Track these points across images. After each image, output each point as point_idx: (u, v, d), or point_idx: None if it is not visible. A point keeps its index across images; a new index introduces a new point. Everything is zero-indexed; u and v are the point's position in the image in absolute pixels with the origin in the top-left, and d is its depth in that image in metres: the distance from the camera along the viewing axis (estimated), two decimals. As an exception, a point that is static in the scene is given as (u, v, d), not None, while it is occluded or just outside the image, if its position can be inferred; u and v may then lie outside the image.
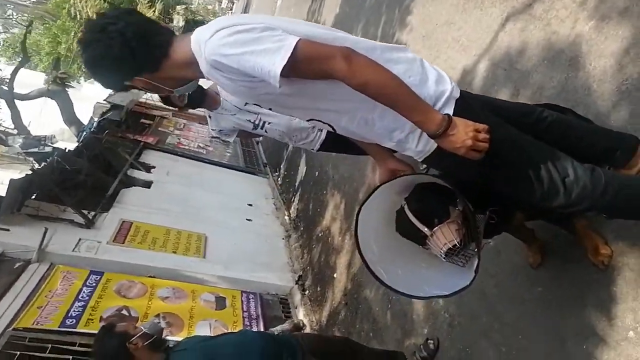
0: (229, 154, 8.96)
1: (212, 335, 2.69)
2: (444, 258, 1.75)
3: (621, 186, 1.57)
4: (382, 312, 3.83)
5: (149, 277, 4.46)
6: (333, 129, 1.57)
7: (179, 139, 8.69)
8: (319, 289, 5.21)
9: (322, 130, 3.13)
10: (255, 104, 1.56)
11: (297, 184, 7.45)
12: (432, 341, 3.05)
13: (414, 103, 1.38)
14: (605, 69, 2.27)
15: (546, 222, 2.19)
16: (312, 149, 3.31)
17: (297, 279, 5.65)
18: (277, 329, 2.92)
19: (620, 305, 1.93)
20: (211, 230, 5.68)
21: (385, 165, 1.81)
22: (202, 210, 6.15)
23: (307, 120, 1.58)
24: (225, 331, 3.85)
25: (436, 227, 1.72)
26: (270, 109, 1.56)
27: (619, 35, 2.23)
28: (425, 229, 1.73)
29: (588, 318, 2.05)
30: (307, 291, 5.39)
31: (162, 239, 5.05)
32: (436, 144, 1.47)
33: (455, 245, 1.70)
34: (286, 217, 7.10)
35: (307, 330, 3.07)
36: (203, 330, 3.96)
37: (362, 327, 4.02)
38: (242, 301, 4.70)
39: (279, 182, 8.40)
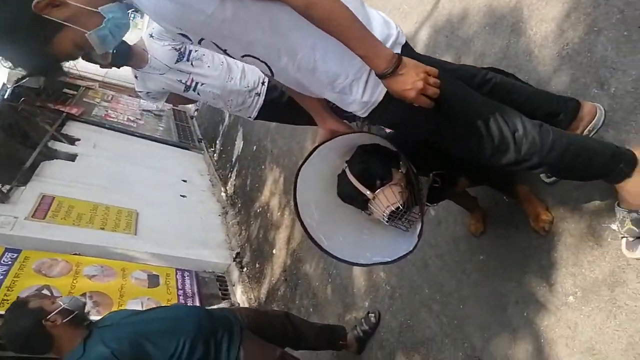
0: (161, 129, 8.52)
1: (135, 312, 2.45)
2: (387, 222, 1.66)
3: (569, 142, 1.53)
4: (322, 287, 3.75)
5: (74, 254, 4.12)
6: (271, 71, 1.40)
7: (107, 110, 8.14)
8: (257, 265, 5.07)
9: (259, 95, 2.94)
10: (182, 34, 1.31)
11: (234, 159, 7.20)
12: (373, 314, 3.00)
13: (362, 34, 1.24)
14: (546, 34, 2.23)
15: (489, 187, 2.15)
16: (249, 117, 3.11)
17: (234, 256, 5.48)
18: (213, 307, 2.75)
19: (560, 271, 1.92)
20: (143, 206, 5.36)
21: (325, 125, 1.67)
22: (133, 186, 5.80)
23: (242, 57, 1.38)
24: (158, 309, 3.63)
25: (378, 190, 1.63)
26: (200, 42, 1.34)
27: (560, 0, 2.20)
28: (368, 192, 1.64)
29: (529, 285, 2.04)
30: (245, 268, 5.24)
31: (89, 215, 4.70)
32: (382, 95, 1.36)
33: (398, 207, 1.61)
34: (223, 194, 6.86)
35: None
36: (134, 308, 3.72)
37: (302, 303, 3.94)
38: (176, 279, 4.48)
39: (215, 158, 8.10)
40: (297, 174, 1.68)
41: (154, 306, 3.77)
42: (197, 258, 5.09)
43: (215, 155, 8.21)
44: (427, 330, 2.57)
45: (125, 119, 8.22)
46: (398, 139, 1.78)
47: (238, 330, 2.42)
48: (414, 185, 1.65)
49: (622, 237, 1.69)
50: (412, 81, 1.27)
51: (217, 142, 8.34)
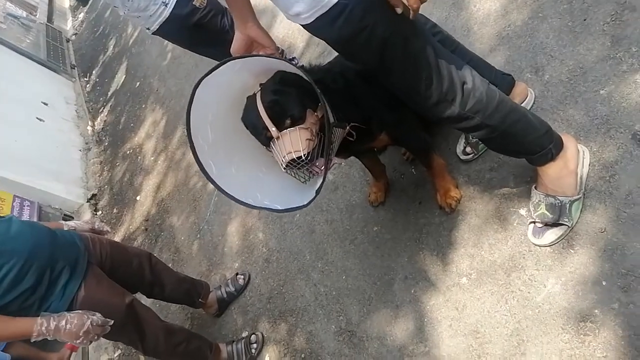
0: (28, 41, 7.30)
1: None
2: (284, 169, 1.42)
3: (512, 108, 1.44)
4: (187, 242, 3.39)
5: None
6: None
7: (-40, 1, 6.74)
8: (115, 210, 4.50)
9: (166, 5, 2.51)
10: None
11: (110, 93, 6.41)
12: (242, 276, 2.74)
13: None
14: (489, 13, 2.16)
15: (408, 149, 2.02)
16: (147, 29, 2.66)
17: (90, 196, 4.83)
18: (69, 224, 2.22)
19: (458, 251, 1.84)
20: (-16, 119, 4.46)
21: (244, 30, 1.36)
22: (-25, 92, 4.81)
23: None
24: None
25: (285, 130, 1.38)
26: None
27: (510, -18, 2.14)
28: (273, 129, 1.38)
29: (422, 262, 1.94)
30: (100, 212, 4.63)
31: None
32: None
33: (301, 157, 1.37)
34: (89, 128, 6.05)
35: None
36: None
37: (161, 256, 3.51)
38: (13, 206, 3.78)
39: (88, 89, 7.17)
40: (198, 83, 1.35)
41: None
42: (43, 189, 4.35)
43: (88, 86, 7.25)
44: (301, 299, 2.38)
45: (-17, 18, 6.91)
46: (326, 78, 1.54)
47: (84, 264, 1.99)
48: (325, 135, 1.41)
49: (530, 223, 1.64)
50: None
51: (94, 72, 7.39)
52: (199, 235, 3.33)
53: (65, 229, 2.16)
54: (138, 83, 5.67)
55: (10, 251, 1.78)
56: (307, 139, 1.39)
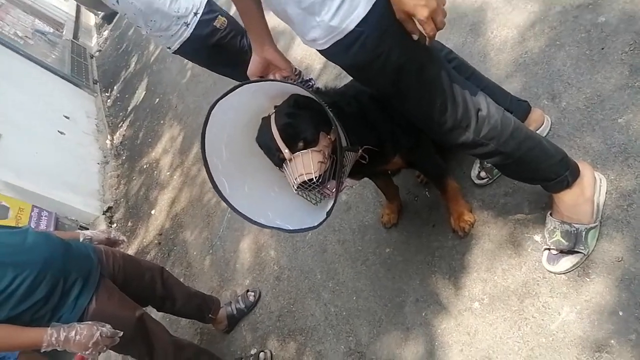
0: (54, 57, 7.49)
1: None
2: (295, 190, 1.44)
3: (527, 135, 1.44)
4: (200, 258, 3.40)
5: None
6: None
7: (-9, 16, 6.97)
8: (130, 224, 4.54)
9: (188, 26, 2.58)
10: None
11: (130, 108, 6.53)
12: (252, 293, 2.74)
13: None
14: (506, 40, 2.18)
15: (422, 173, 2.02)
16: (168, 48, 2.73)
17: (105, 209, 4.88)
18: (85, 233, 2.25)
19: (471, 275, 1.83)
20: (7, 130, 4.55)
21: (261, 53, 1.40)
22: (1, 104, 4.92)
23: None
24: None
25: (298, 153, 1.40)
26: None
27: (528, 9, 2.16)
28: (286, 151, 1.41)
29: (434, 285, 1.93)
30: (115, 224, 4.68)
31: None
32: (357, 20, 1.15)
33: (312, 179, 1.39)
34: (108, 142, 6.16)
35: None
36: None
37: (173, 271, 3.52)
38: (31, 216, 3.84)
39: (108, 104, 7.31)
40: (214, 105, 1.39)
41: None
42: (61, 201, 4.41)
43: (109, 101, 7.40)
44: (311, 318, 2.37)
45: (12, 33, 7.09)
46: (340, 101, 1.57)
47: (96, 276, 2.01)
48: (337, 158, 1.41)
49: (544, 249, 1.63)
50: None
51: (115, 87, 7.54)
52: (211, 251, 3.34)
53: (82, 238, 2.19)
54: (157, 99, 5.77)
55: (24, 262, 1.80)
56: (319, 162, 1.41)
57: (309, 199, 1.56)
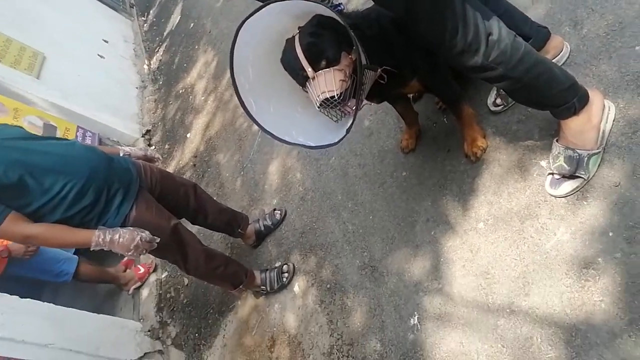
0: (91, -21, 7.52)
1: (26, 135, 2.10)
2: (318, 107, 1.54)
3: (536, 61, 1.47)
4: (232, 179, 3.61)
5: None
6: None
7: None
8: (167, 146, 4.78)
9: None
10: None
11: (165, 33, 6.60)
12: (279, 211, 2.93)
13: None
14: (535, -37, 2.12)
15: (439, 97, 2.08)
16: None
17: (144, 132, 5.13)
18: (124, 149, 2.47)
19: (479, 198, 1.93)
20: (52, 52, 4.75)
21: None
22: (45, 28, 5.08)
23: None
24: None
25: (321, 71, 1.49)
26: None
27: None
28: (309, 69, 1.49)
29: (444, 206, 2.04)
30: (154, 147, 4.93)
31: (-16, 40, 4.07)
32: None
33: (334, 97, 1.48)
34: (145, 67, 6.32)
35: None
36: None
37: (207, 190, 3.73)
38: (76, 136, 4.10)
39: (145, 29, 7.39)
40: (241, 25, 1.46)
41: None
42: (103, 122, 4.67)
43: (145, 25, 7.48)
44: (330, 235, 2.55)
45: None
46: (362, 24, 1.61)
47: (136, 187, 2.22)
48: (357, 77, 1.51)
49: (548, 174, 1.70)
50: None
51: (151, 12, 7.59)
52: (242, 173, 3.53)
53: (121, 154, 2.40)
54: (192, 24, 5.82)
55: (73, 171, 2.01)
56: (340, 80, 1.49)
57: (330, 116, 1.65)
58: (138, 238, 2.04)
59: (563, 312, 1.53)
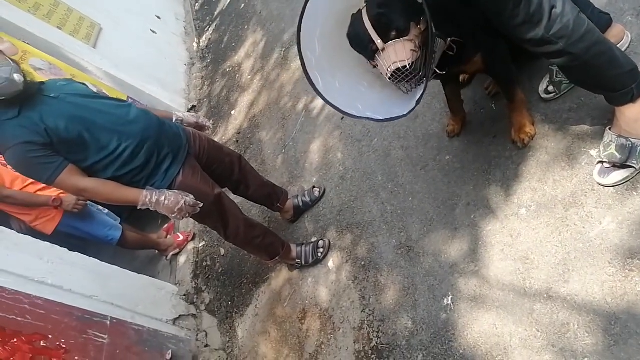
0: (147, -44, 7.71)
1: (88, 93, 2.19)
2: (390, 79, 1.53)
3: (598, 39, 1.45)
4: (273, 156, 3.67)
5: (23, 42, 3.75)
6: None
7: None
8: (211, 122, 4.81)
9: None
10: None
11: (216, 13, 6.71)
12: (318, 189, 2.98)
13: None
14: (601, -50, 2.07)
15: (495, 77, 2.05)
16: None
17: (190, 107, 5.26)
18: (177, 114, 2.55)
19: (523, 184, 1.92)
20: (108, 24, 4.91)
21: None
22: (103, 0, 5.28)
23: None
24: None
25: (391, 42, 1.49)
26: None
27: None
28: (379, 41, 1.50)
29: (486, 190, 2.04)
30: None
31: (48, 9, 4.24)
32: None
33: (405, 67, 1.48)
34: (195, 44, 6.45)
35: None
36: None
37: (248, 166, 3.85)
38: (126, 104, 4.24)
39: (196, 8, 7.53)
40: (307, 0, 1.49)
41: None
42: (152, 94, 4.81)
43: (197, 5, 7.62)
44: (368, 214, 2.58)
45: None
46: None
47: (184, 153, 2.30)
48: (428, 47, 1.49)
49: (597, 162, 1.68)
50: None
51: (203, -9, 7.73)
52: (284, 151, 3.59)
53: (174, 119, 2.49)
54: (243, 5, 5.89)
55: (128, 132, 2.11)
56: (411, 50, 1.50)
57: (400, 87, 1.63)
58: (182, 202, 2.11)
59: (603, 301, 1.52)
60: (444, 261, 2.06)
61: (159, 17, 6.27)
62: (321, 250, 2.69)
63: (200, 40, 6.53)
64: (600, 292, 1.53)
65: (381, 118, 1.64)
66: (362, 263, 2.44)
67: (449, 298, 1.96)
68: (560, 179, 1.81)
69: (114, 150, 2.06)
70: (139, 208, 2.11)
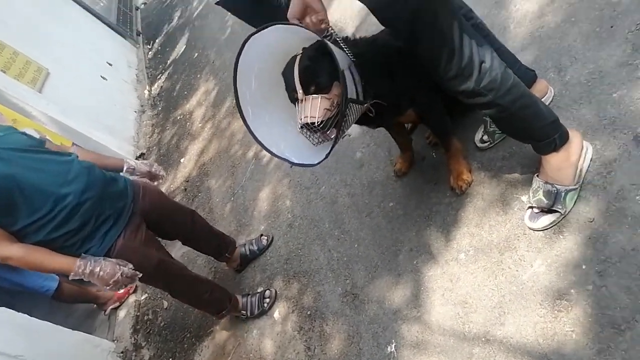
0: (102, 5, 7.74)
1: (25, 146, 2.03)
2: (299, 129, 1.59)
3: (524, 93, 1.56)
4: (221, 204, 3.64)
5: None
6: None
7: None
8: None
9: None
10: None
11: (169, 61, 6.77)
12: (265, 237, 2.95)
13: None
14: (526, 14, 2.27)
15: (431, 128, 2.15)
16: (211, -4, 2.89)
17: (138, 155, 5.18)
18: (130, 163, 2.45)
19: (462, 229, 1.98)
20: (56, 69, 4.84)
21: None
22: (52, 45, 5.20)
23: None
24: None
25: (310, 95, 1.55)
26: None
27: (550, -14, 2.23)
28: (300, 92, 1.55)
29: (427, 236, 2.09)
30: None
31: (-9, 52, 4.16)
32: None
33: (314, 123, 1.53)
34: (146, 92, 6.43)
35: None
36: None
37: (196, 214, 3.79)
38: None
39: (149, 56, 7.57)
40: (248, 38, 1.53)
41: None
42: (98, 141, 4.71)
43: (150, 53, 7.66)
44: (315, 262, 2.57)
45: (65, -21, 7.38)
46: (367, 52, 1.70)
47: (128, 213, 2.20)
48: (341, 108, 1.53)
49: (528, 208, 1.76)
50: None
51: (157, 40, 7.79)
52: (232, 199, 3.57)
53: (125, 167, 2.40)
54: (196, 54, 5.98)
55: (66, 194, 1.97)
56: (325, 109, 1.55)
57: (310, 139, 1.67)
58: (119, 273, 1.99)
59: (536, 342, 1.55)
60: (388, 308, 2.07)
61: (110, 64, 6.25)
62: (267, 300, 2.64)
63: (152, 88, 6.53)
64: (533, 334, 1.57)
65: (296, 162, 1.67)
66: (308, 312, 2.41)
67: (393, 345, 1.95)
68: (495, 224, 1.88)
69: (48, 212, 1.93)
70: (70, 278, 1.97)
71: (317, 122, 1.53)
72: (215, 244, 2.80)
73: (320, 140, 1.64)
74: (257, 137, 1.65)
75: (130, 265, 2.05)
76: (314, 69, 1.56)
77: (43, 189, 1.92)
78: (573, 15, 2.05)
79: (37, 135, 3.86)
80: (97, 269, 1.96)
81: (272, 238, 2.95)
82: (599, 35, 1.92)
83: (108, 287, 1.99)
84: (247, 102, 1.64)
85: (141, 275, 2.09)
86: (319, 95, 1.55)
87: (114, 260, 2.03)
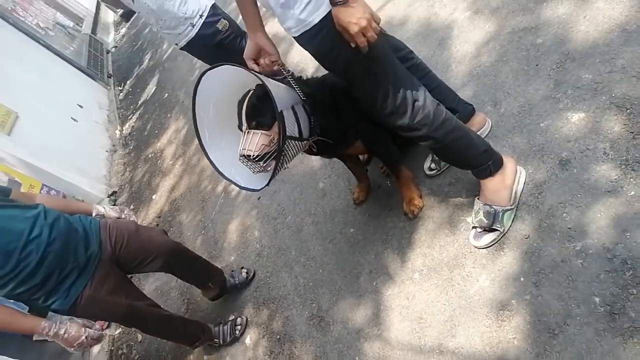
0: (72, 49, 7.90)
1: None
2: (239, 158, 1.72)
3: (455, 126, 1.74)
4: (192, 237, 3.73)
5: None
6: None
7: (15, 6, 7.36)
8: (132, 207, 4.88)
9: (193, 27, 2.91)
10: None
11: (140, 102, 6.91)
12: (246, 271, 2.96)
13: None
14: (465, 54, 2.51)
15: (379, 158, 2.33)
16: (176, 44, 3.07)
17: (110, 193, 5.23)
18: (99, 209, 2.40)
19: (415, 250, 2.14)
20: (25, 112, 4.91)
21: (254, 38, 1.69)
22: (22, 89, 5.29)
23: None
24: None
25: (252, 130, 1.70)
26: None
27: (485, 29, 2.49)
28: (245, 125, 1.70)
29: (385, 259, 2.24)
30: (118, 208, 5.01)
31: (-41, 97, 4.22)
32: (319, 18, 1.44)
33: (250, 156, 1.68)
34: (117, 132, 6.53)
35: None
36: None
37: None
38: (40, 193, 4.16)
39: (120, 97, 7.70)
40: (204, 73, 1.67)
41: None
42: (69, 181, 4.76)
43: (121, 94, 7.79)
44: (283, 288, 2.68)
45: (35, 24, 7.50)
46: (317, 91, 1.87)
47: (94, 263, 2.14)
48: (279, 145, 1.67)
49: (472, 228, 1.94)
50: (358, 16, 1.37)
51: (128, 82, 7.94)
52: (203, 232, 3.67)
53: (94, 213, 2.38)
54: (166, 95, 6.14)
55: (29, 251, 1.94)
56: (263, 144, 1.69)
57: (249, 168, 1.78)
58: (84, 336, 2.00)
59: (484, 350, 1.70)
60: (351, 327, 2.19)
61: (80, 106, 6.35)
62: (239, 327, 2.72)
63: (124, 128, 6.63)
64: (481, 343, 1.71)
65: (242, 185, 1.81)
66: (278, 337, 2.51)
67: (356, 362, 2.07)
68: (444, 244, 2.04)
69: (11, 270, 1.91)
70: (34, 340, 2.00)
71: (253, 155, 1.67)
72: (203, 272, 2.80)
73: (259, 170, 1.77)
74: (211, 159, 1.78)
75: (97, 326, 2.06)
76: (259, 108, 1.70)
77: (6, 249, 1.90)
78: (504, 55, 2.30)
79: (6, 178, 3.94)
80: (62, 332, 1.97)
81: (255, 273, 2.95)
82: (526, 73, 2.16)
83: (72, 349, 2.00)
84: (204, 124, 1.78)
85: (108, 334, 2.10)
86: (259, 131, 1.69)
87: (80, 321, 2.04)
